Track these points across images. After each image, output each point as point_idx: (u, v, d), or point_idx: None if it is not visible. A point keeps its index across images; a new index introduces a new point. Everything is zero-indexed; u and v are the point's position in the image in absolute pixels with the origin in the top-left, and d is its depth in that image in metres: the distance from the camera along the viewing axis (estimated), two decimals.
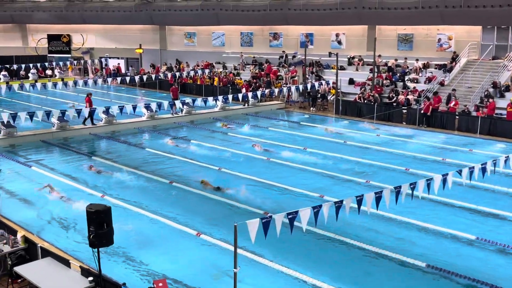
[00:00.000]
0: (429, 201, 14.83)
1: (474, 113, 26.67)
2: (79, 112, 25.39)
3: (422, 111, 26.88)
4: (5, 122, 22.24)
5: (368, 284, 10.75)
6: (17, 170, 18.39)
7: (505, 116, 25.60)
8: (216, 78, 37.30)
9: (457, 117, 26.35)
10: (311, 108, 31.93)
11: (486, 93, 28.10)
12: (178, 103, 27.52)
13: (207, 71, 40.03)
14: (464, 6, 30.83)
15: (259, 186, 16.90)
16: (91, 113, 24.95)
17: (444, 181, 12.31)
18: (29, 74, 43.45)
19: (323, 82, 33.03)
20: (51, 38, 49.81)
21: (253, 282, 10.60)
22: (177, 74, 38.36)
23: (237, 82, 37.59)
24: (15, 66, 43.91)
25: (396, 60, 34.76)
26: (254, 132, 25.29)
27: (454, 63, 32.02)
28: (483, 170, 13.33)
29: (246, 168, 18.91)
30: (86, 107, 25.46)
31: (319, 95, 32.21)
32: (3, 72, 42.58)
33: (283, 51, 40.27)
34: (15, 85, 30.14)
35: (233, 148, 21.81)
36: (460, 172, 12.89)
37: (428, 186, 11.94)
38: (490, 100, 26.81)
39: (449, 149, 22.40)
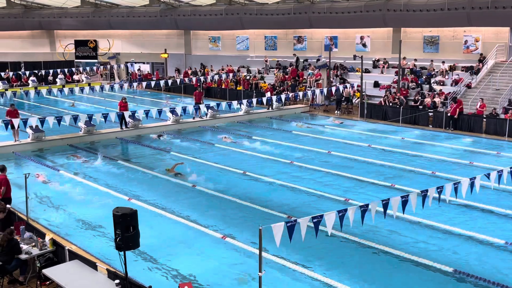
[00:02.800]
0: (455, 205, 14.64)
1: (502, 116, 26.22)
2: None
3: (449, 114, 26.53)
4: (34, 127, 22.62)
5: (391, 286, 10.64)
6: (46, 174, 18.68)
7: None
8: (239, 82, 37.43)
9: (484, 119, 25.94)
10: (336, 112, 31.79)
11: None
12: (202, 107, 27.62)
13: (231, 75, 40.20)
14: (491, 7, 30.33)
15: (281, 189, 16.90)
16: (123, 117, 25.18)
17: (472, 184, 12.13)
18: (57, 79, 44.20)
19: (348, 85, 32.87)
20: (78, 43, 50.59)
21: (280, 286, 10.58)
22: (202, 78, 38.62)
23: (261, 86, 37.63)
24: (43, 72, 44.76)
25: (415, 60, 34.38)
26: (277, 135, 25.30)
27: (481, 65, 31.55)
28: None
29: (267, 170, 18.93)
30: (119, 110, 25.68)
31: (343, 98, 32.06)
32: (32, 78, 43.42)
33: (294, 54, 40.29)
34: (43, 90, 30.66)
35: (251, 151, 21.86)
36: (488, 176, 12.69)
37: (455, 189, 11.77)
38: None
39: (476, 152, 22.06)
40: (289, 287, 10.70)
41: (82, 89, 32.68)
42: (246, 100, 29.85)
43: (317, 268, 11.34)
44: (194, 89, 37.53)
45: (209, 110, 28.50)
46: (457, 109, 26.22)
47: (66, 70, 44.83)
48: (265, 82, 38.54)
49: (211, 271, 11.28)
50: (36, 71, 44.59)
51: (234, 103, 28.38)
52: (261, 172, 18.77)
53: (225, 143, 23.62)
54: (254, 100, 29.51)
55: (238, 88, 37.90)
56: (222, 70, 42.73)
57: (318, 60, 38.43)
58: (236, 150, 22.32)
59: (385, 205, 10.49)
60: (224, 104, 27.94)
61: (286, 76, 38.31)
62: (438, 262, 11.58)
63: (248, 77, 39.50)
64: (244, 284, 10.73)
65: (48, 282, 10.36)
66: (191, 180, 17.95)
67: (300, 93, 32.05)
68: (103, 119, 24.47)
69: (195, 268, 11.37)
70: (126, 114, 24.84)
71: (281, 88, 36.17)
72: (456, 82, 31.18)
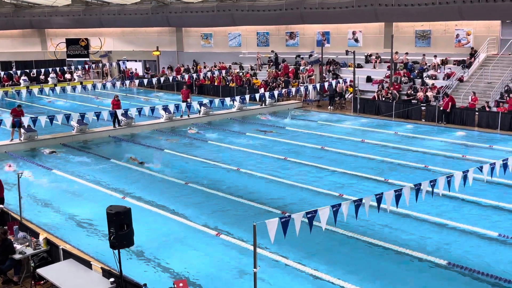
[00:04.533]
0: (448, 198, 14.72)
1: (494, 109, 26.33)
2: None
3: (441, 108, 26.62)
4: (26, 126, 22.53)
5: (387, 281, 10.65)
6: (38, 174, 18.61)
7: None
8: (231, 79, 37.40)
9: (477, 113, 26.04)
10: (329, 107, 31.81)
11: (506, 88, 27.73)
12: (183, 105, 27.40)
13: (224, 71, 40.14)
14: (482, 0, 30.41)
15: (275, 185, 16.92)
16: (116, 115, 25.08)
17: (465, 178, 12.19)
18: (49, 78, 43.99)
19: (340, 80, 32.91)
20: (70, 42, 50.35)
21: (274, 282, 10.60)
22: (194, 75, 38.56)
23: (254, 82, 37.62)
24: (34, 71, 44.54)
25: (406, 53, 34.46)
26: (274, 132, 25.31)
27: (473, 59, 31.65)
28: (505, 166, 13.17)
29: (261, 166, 18.95)
30: (112, 109, 25.61)
31: (336, 94, 32.09)
32: (23, 77, 43.20)
33: (272, 51, 40.39)
34: (35, 89, 30.51)
35: (246, 148, 21.87)
36: (481, 169, 12.75)
37: (448, 183, 11.82)
38: (511, 95, 26.45)
39: (469, 146, 22.17)
40: (283, 282, 10.72)
41: (74, 88, 32.54)
42: (239, 96, 29.83)
43: (312, 263, 11.37)
44: (187, 86, 37.47)
45: (202, 107, 28.45)
46: (449, 103, 26.30)
47: (57, 69, 44.63)
48: (257, 79, 38.50)
49: (206, 268, 11.29)
50: (27, 71, 44.39)
51: (227, 100, 28.37)
52: (255, 168, 18.78)
53: (218, 140, 23.57)
54: (247, 97, 29.48)
55: (230, 85, 37.86)
56: (215, 67, 42.66)
57: (310, 55, 38.44)
58: (229, 147, 22.31)
59: (379, 199, 10.53)
60: (217, 101, 27.91)
61: (279, 72, 38.29)
62: (432, 255, 11.63)
63: (240, 74, 39.45)
64: (239, 279, 10.74)
65: (42, 282, 10.34)
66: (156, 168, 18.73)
67: (293, 89, 32.05)
68: (95, 118, 24.39)
69: (190, 265, 11.37)
70: (119, 112, 24.77)
71: (274, 84, 36.16)
72: (448, 76, 31.28)
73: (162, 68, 45.90)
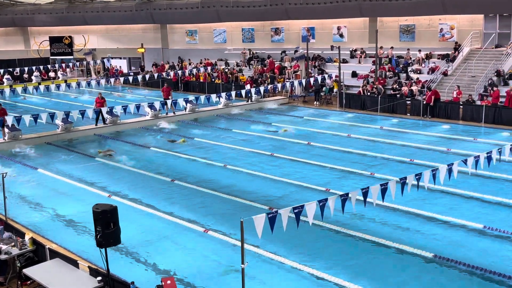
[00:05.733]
0: (434, 192, 14.85)
1: (478, 102, 26.57)
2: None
3: (424, 102, 26.80)
4: (10, 126, 22.31)
5: (375, 275, 10.72)
6: (23, 173, 18.45)
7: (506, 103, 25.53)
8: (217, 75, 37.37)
9: (461, 106, 26.25)
10: (315, 102, 31.88)
11: (490, 81, 28.00)
12: (169, 103, 27.34)
13: (209, 68, 40.06)
14: None
15: (262, 181, 16.94)
16: (100, 113, 24.88)
17: (450, 171, 12.30)
18: (32, 77, 43.58)
19: (326, 76, 32.98)
20: (53, 40, 49.91)
21: (262, 277, 10.63)
22: (179, 72, 38.42)
23: (240, 79, 37.58)
24: (18, 69, 44.09)
25: (391, 48, 34.64)
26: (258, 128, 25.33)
27: (456, 53, 31.89)
28: (489, 159, 13.31)
29: (248, 162, 18.96)
30: (96, 107, 25.41)
31: (323, 89, 32.17)
32: (6, 76, 42.76)
33: (249, 49, 40.61)
34: (19, 88, 30.21)
35: (237, 145, 21.88)
36: (465, 162, 12.86)
37: (433, 176, 11.92)
38: (494, 88, 26.71)
39: (454, 139, 22.35)
40: (271, 277, 10.75)
41: (58, 86, 32.26)
42: (225, 93, 29.78)
43: (300, 258, 11.40)
44: (172, 83, 37.38)
45: (188, 104, 28.37)
46: (432, 97, 26.48)
47: (41, 67, 44.22)
48: (243, 75, 38.47)
49: (194, 265, 11.28)
50: (10, 69, 43.92)
51: (213, 97, 28.31)
52: (242, 165, 18.78)
53: (205, 137, 23.53)
54: (233, 93, 29.45)
55: (216, 82, 37.78)
56: (200, 63, 42.55)
57: (296, 51, 38.47)
58: (215, 144, 22.28)
59: (365, 193, 10.58)
60: (203, 97, 27.84)
61: (265, 68, 38.30)
62: (418, 247, 11.72)
63: (226, 70, 39.40)
64: (227, 276, 10.75)
65: (29, 282, 10.26)
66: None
67: (279, 85, 32.08)
68: (80, 116, 24.22)
69: (178, 263, 11.36)
70: (104, 110, 24.63)
71: (260, 80, 36.16)
72: (432, 70, 31.50)
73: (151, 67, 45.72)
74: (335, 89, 32.27)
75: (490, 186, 15.84)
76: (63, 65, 45.73)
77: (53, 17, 46.86)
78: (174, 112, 28.25)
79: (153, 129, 25.83)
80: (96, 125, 25.25)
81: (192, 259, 11.59)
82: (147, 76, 36.20)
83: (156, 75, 36.86)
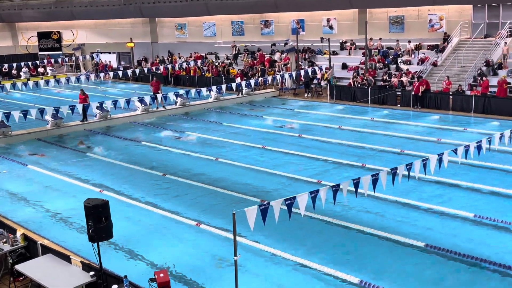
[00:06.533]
0: (426, 182, 14.94)
1: (468, 92, 26.70)
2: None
3: (412, 93, 26.87)
4: None
5: (368, 265, 10.79)
6: (13, 169, 18.35)
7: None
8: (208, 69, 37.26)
9: (451, 97, 26.37)
10: (306, 95, 31.89)
11: (479, 71, 28.14)
12: (159, 97, 27.26)
13: (199, 62, 39.94)
14: None
15: (254, 174, 16.96)
16: (84, 109, 24.75)
17: (440, 160, 12.36)
18: (21, 73, 43.26)
19: (316, 68, 32.99)
20: (41, 35, 49.52)
21: (255, 270, 10.66)
22: (169, 66, 38.28)
23: (231, 72, 37.50)
24: (6, 65, 43.73)
25: (380, 39, 34.67)
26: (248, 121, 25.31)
27: (446, 43, 32.00)
28: (479, 148, 13.40)
29: (240, 155, 18.97)
30: (79, 103, 25.26)
31: (314, 81, 32.19)
32: None
33: (233, 46, 40.57)
34: (7, 85, 29.98)
35: (224, 138, 21.87)
36: (455, 151, 12.93)
37: (424, 166, 11.98)
38: (484, 78, 26.85)
39: (444, 129, 22.47)
40: (264, 269, 10.78)
41: (47, 82, 32.05)
42: (216, 86, 29.73)
43: (292, 249, 11.44)
44: (163, 77, 37.25)
45: (179, 98, 28.28)
46: (420, 87, 26.57)
47: (30, 63, 43.88)
48: (233, 68, 38.39)
49: (187, 258, 11.29)
50: None
51: (204, 90, 28.24)
52: (233, 158, 18.78)
53: (196, 131, 23.50)
54: (224, 86, 29.40)
55: (206, 75, 37.68)
56: (190, 57, 42.41)
57: (286, 44, 38.45)
58: (207, 137, 22.25)
59: (356, 184, 10.62)
60: (193, 91, 27.78)
61: (255, 61, 38.23)
62: (409, 237, 11.80)
63: (216, 64, 39.30)
64: (221, 268, 10.77)
65: (21, 278, 10.23)
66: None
67: (269, 78, 32.05)
68: (70, 112, 24.10)
69: (171, 256, 11.36)
70: (94, 105, 24.52)
71: (250, 73, 36.11)
72: (422, 61, 31.59)
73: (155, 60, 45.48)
74: (325, 82, 32.27)
75: (480, 175, 15.96)
76: (48, 60, 45.32)
77: (41, 12, 46.46)
78: (164, 107, 28.12)
79: (144, 124, 25.78)
80: (82, 121, 25.00)
81: (185, 253, 11.60)
82: (137, 71, 36.03)
83: (146, 69, 36.70)
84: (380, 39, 34.80)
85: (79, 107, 24.24)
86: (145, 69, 36.73)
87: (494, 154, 16.78)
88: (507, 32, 29.50)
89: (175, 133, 23.37)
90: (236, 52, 40.84)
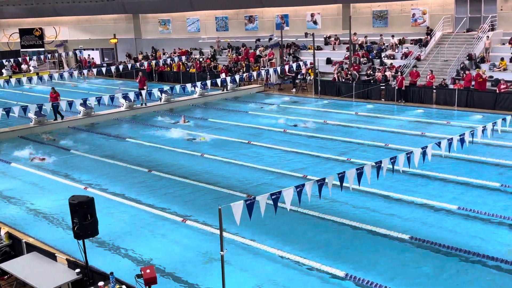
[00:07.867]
0: (408, 175, 15.07)
1: (451, 86, 26.92)
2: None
3: (396, 87, 27.05)
4: None
5: (354, 258, 10.86)
6: None
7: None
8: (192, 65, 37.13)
9: (434, 91, 26.57)
10: (293, 90, 31.92)
11: (462, 65, 28.37)
12: (144, 93, 27.06)
13: (183, 57, 39.77)
14: None
15: (240, 169, 16.98)
16: (54, 107, 24.32)
17: (424, 153, 12.48)
18: (3, 70, 42.74)
19: (301, 63, 33.04)
20: (23, 32, 48.96)
21: (242, 265, 10.69)
22: (153, 62, 38.07)
23: (218, 68, 37.35)
24: None
25: (365, 37, 34.84)
26: (234, 116, 25.29)
27: (429, 38, 32.21)
28: (462, 141, 13.54)
29: (225, 151, 18.98)
30: (49, 101, 24.80)
31: (298, 76, 32.24)
32: None
33: (211, 46, 40.50)
34: None
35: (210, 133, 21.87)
36: (439, 144, 13.07)
37: (408, 159, 12.08)
38: (466, 72, 27.09)
39: (427, 123, 22.66)
40: (250, 264, 10.82)
41: (30, 79, 31.71)
42: (200, 82, 29.64)
43: (278, 244, 11.48)
44: (145, 74, 36.97)
45: (163, 94, 28.15)
46: (403, 81, 26.76)
47: (12, 60, 43.35)
48: (219, 64, 38.28)
49: (173, 254, 11.30)
50: None
51: (188, 86, 28.15)
52: (220, 153, 18.77)
53: (182, 126, 23.43)
54: (209, 82, 29.31)
55: (191, 71, 37.54)
56: (174, 53, 42.21)
57: (270, 39, 38.42)
58: (192, 133, 22.20)
59: (341, 178, 10.69)
60: (178, 87, 27.69)
61: (240, 57, 38.17)
62: (394, 230, 11.91)
63: (201, 60, 39.17)
64: (207, 264, 10.77)
65: (6, 277, 10.16)
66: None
67: (254, 73, 32.04)
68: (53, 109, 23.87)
69: (157, 252, 11.35)
70: (78, 102, 24.33)
71: (235, 69, 36.05)
72: (406, 55, 31.76)
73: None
74: (310, 77, 32.32)
75: (463, 168, 16.13)
76: (23, 58, 44.81)
77: (23, 9, 45.93)
78: (145, 103, 27.85)
79: (128, 120, 25.65)
80: (55, 119, 24.63)
81: (171, 249, 11.60)
82: (121, 67, 35.79)
83: (129, 65, 36.45)
84: (366, 36, 34.90)
85: (48, 106, 23.67)
86: (129, 65, 36.43)
87: (478, 147, 16.97)
88: (489, 26, 29.77)
89: (160, 130, 23.27)
90: (219, 48, 40.58)
